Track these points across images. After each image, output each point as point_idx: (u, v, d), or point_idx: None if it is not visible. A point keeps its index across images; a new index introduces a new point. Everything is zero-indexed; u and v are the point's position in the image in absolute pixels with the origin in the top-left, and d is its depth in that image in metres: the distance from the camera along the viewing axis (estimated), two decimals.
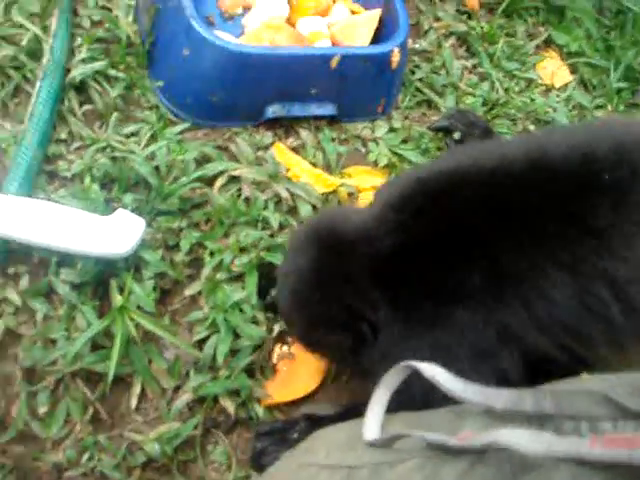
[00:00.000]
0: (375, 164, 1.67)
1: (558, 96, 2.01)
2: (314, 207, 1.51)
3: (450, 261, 1.01)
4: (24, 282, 1.29)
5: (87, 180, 1.39)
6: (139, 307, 1.30)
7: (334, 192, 1.57)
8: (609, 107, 2.02)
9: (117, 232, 1.28)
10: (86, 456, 1.23)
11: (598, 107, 2.03)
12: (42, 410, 1.23)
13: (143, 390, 1.30)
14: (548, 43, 2.14)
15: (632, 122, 1.19)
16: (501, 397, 0.73)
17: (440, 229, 1.03)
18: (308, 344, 1.20)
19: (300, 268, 1.12)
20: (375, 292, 1.05)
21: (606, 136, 1.05)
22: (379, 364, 1.05)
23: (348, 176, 1.61)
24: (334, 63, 1.53)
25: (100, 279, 1.32)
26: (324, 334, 1.12)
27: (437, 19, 2.01)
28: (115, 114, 1.51)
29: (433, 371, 0.80)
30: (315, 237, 1.13)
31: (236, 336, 1.33)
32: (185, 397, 1.29)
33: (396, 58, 1.61)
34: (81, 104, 1.51)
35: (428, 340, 1.03)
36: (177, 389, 1.31)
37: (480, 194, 1.03)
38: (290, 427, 1.28)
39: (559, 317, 0.98)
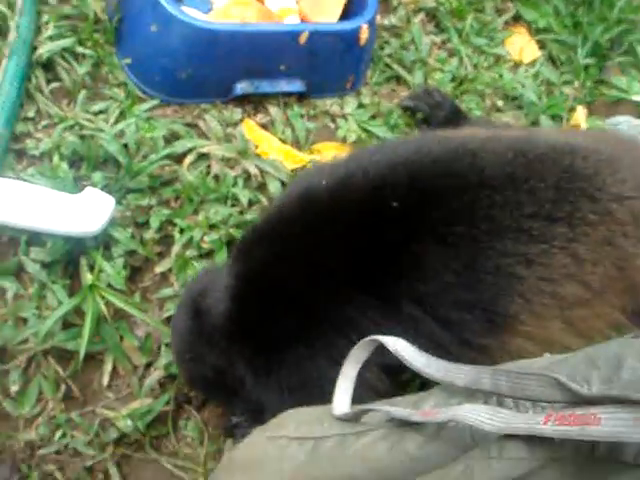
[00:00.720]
0: (344, 140, 1.67)
1: (526, 72, 2.02)
2: (283, 183, 1.52)
3: (270, 314, 1.11)
4: None
5: (56, 158, 1.38)
6: (109, 285, 1.31)
7: (303, 168, 1.57)
8: (576, 83, 2.04)
9: (86, 210, 1.28)
10: (59, 433, 1.24)
11: (566, 83, 2.05)
12: (14, 389, 1.23)
13: (114, 367, 1.31)
14: (517, 19, 2.15)
15: (426, 140, 1.23)
16: (462, 374, 0.74)
17: (255, 289, 1.14)
18: (198, 391, 1.32)
19: (176, 329, 1.23)
20: (229, 350, 1.14)
21: (404, 160, 1.13)
22: (257, 410, 1.17)
23: (317, 152, 1.62)
24: (303, 39, 1.53)
25: (70, 258, 1.32)
26: (203, 386, 1.24)
27: None
28: (83, 92, 1.50)
29: (396, 345, 0.82)
30: (188, 300, 1.22)
31: None
32: (156, 374, 1.30)
33: (365, 34, 1.61)
34: (48, 82, 1.50)
35: (274, 385, 1.12)
36: (148, 366, 1.32)
37: (280, 244, 1.14)
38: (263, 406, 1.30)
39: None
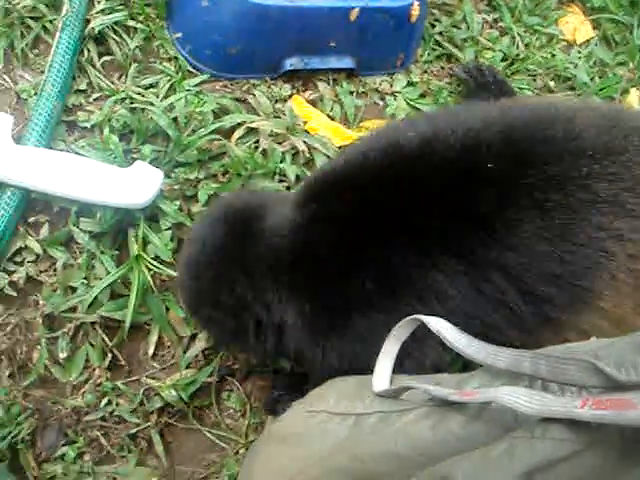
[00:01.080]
0: (393, 118, 1.66)
1: (579, 52, 1.98)
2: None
3: (343, 269, 1.02)
4: (44, 231, 1.32)
5: (106, 131, 1.40)
6: (156, 256, 1.32)
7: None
8: (631, 64, 2.00)
9: (136, 183, 1.29)
10: (105, 401, 1.27)
11: (620, 64, 2.00)
12: (62, 356, 1.26)
13: (160, 338, 1.33)
14: None
15: (523, 104, 1.17)
16: (502, 357, 0.74)
17: (331, 236, 1.03)
18: (195, 317, 1.19)
19: (204, 239, 1.10)
20: (276, 293, 1.05)
21: (494, 121, 1.05)
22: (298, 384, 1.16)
23: (365, 129, 1.61)
24: (353, 16, 1.52)
25: (119, 229, 1.35)
26: (209, 312, 1.10)
27: None
28: (134, 65, 1.51)
29: (438, 325, 0.82)
30: (229, 213, 1.12)
31: None
32: (201, 345, 1.32)
33: (416, 12, 1.60)
34: (100, 55, 1.51)
35: (332, 348, 1.05)
36: (193, 337, 1.34)
37: (365, 194, 1.04)
38: (306, 380, 1.30)
39: (460, 308, 0.98)
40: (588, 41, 2.03)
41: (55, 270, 1.31)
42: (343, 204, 1.04)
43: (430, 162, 1.03)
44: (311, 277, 1.04)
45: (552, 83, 1.87)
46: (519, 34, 1.92)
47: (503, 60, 1.85)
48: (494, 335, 0.99)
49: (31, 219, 1.33)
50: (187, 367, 1.31)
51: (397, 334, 0.89)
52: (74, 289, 1.30)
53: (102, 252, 1.31)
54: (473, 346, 0.78)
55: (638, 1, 2.11)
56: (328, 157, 1.50)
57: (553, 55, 1.93)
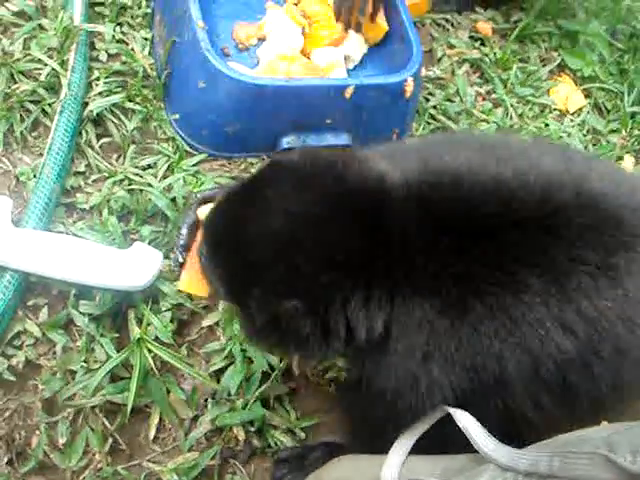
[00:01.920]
0: None
1: (572, 121, 2.02)
2: None
3: (455, 307, 0.87)
4: (43, 314, 1.31)
5: (105, 212, 1.41)
6: (157, 338, 1.31)
7: None
8: (623, 131, 2.03)
9: (135, 265, 1.29)
10: None
11: (612, 131, 2.03)
12: (62, 441, 1.24)
13: (161, 420, 1.31)
14: (561, 68, 2.15)
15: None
16: (523, 460, 0.72)
17: (451, 263, 0.87)
18: (236, 292, 0.95)
19: (299, 215, 0.89)
20: (389, 305, 0.88)
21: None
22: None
23: None
24: (348, 93, 1.54)
25: (118, 311, 1.34)
26: (286, 305, 0.88)
27: (450, 46, 2.03)
28: (132, 146, 1.53)
29: (466, 421, 0.80)
30: (340, 176, 0.92)
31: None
32: (203, 427, 1.30)
33: (410, 87, 1.62)
34: (99, 137, 1.53)
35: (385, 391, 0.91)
36: (195, 419, 1.32)
37: (492, 227, 0.89)
38: (307, 453, 1.28)
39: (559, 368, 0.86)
40: (580, 109, 2.06)
41: (54, 353, 1.30)
42: (468, 231, 0.88)
43: (587, 200, 0.91)
44: (419, 319, 0.87)
45: None
46: (512, 105, 1.95)
47: (497, 131, 1.87)
48: (555, 410, 0.90)
49: (30, 302, 1.32)
50: (189, 450, 1.29)
51: (414, 430, 0.87)
52: (73, 373, 1.28)
53: (102, 335, 1.30)
54: (500, 451, 0.76)
55: (627, 69, 2.15)
56: None
57: (547, 125, 1.96)
